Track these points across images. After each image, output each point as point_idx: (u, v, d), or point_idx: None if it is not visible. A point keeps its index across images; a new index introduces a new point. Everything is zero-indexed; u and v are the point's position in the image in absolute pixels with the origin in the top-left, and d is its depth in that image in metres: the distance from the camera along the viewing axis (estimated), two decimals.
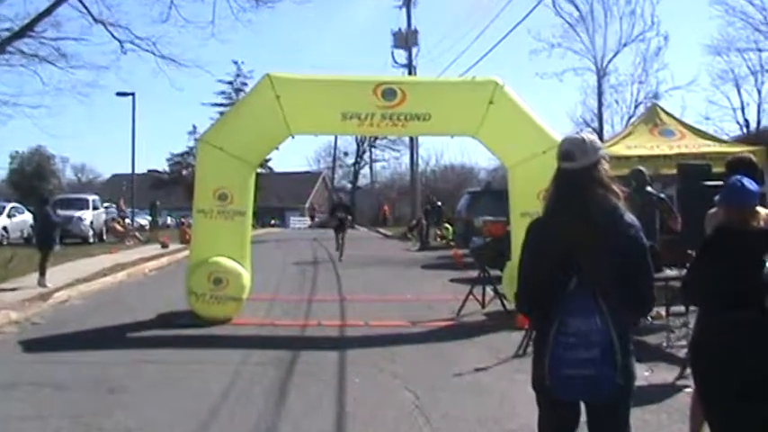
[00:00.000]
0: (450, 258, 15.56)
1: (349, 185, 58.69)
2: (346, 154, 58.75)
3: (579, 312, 2.18)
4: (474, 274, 9.22)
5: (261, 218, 43.91)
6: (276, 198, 53.22)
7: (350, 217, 15.66)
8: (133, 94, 24.88)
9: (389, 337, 6.58)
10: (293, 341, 6.35)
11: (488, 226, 8.21)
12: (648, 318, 6.14)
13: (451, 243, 19.58)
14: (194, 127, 43.06)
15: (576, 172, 2.29)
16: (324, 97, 7.40)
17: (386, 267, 13.75)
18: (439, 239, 21.73)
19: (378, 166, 60.58)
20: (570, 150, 2.31)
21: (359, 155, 59.89)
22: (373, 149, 56.05)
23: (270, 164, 45.24)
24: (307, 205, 54.84)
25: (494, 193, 16.36)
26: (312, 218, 35.11)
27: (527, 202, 7.36)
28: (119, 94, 24.54)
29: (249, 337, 6.49)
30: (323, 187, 61.33)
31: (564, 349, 2.18)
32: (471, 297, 7.88)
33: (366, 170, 60.07)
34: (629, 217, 2.28)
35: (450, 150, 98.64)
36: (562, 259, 2.21)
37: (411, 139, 30.45)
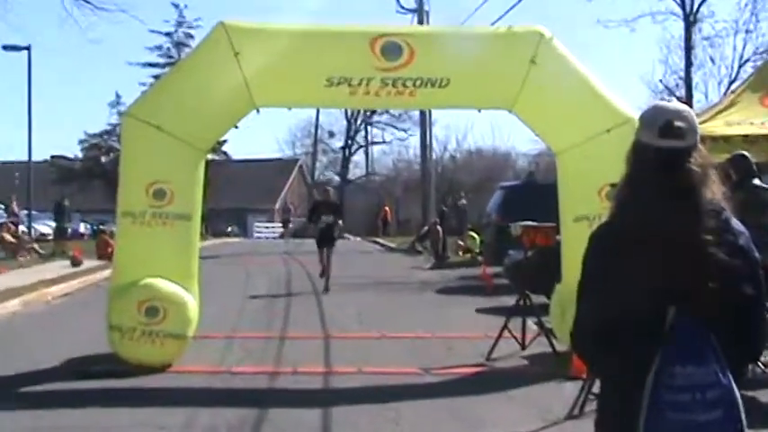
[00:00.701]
0: (476, 279, 15.58)
1: (336, 178, 59.07)
2: (332, 135, 59.29)
3: (690, 357, 2.04)
4: (510, 301, 9.19)
5: (213, 224, 44.08)
6: (235, 196, 53.42)
7: (340, 222, 14.10)
8: (28, 49, 23.90)
9: (392, 389, 6.59)
10: (258, 396, 6.34)
11: (530, 234, 8.20)
12: (759, 365, 6.09)
13: (478, 258, 19.66)
14: (118, 96, 42.72)
15: (682, 155, 2.17)
16: (302, 55, 7.41)
17: (387, 292, 13.77)
18: (461, 253, 21.80)
19: (376, 151, 61.31)
20: (675, 122, 2.18)
21: (350, 136, 60.35)
22: (370, 128, 56.60)
23: (226, 148, 45.25)
24: (277, 206, 55.06)
25: (537, 189, 16.37)
26: (285, 223, 34.76)
27: (584, 202, 7.33)
28: (7, 47, 23.68)
29: (196, 391, 6.48)
30: (300, 180, 61.70)
31: (673, 410, 2.02)
32: (506, 334, 7.88)
33: (360, 157, 60.65)
34: (737, 223, 2.21)
35: (476, 129, 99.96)
36: (655, 282, 2.13)
37: (422, 113, 30.49)
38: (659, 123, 2.22)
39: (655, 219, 2.15)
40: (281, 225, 37.47)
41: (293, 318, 10.66)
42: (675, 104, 2.31)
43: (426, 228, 25.01)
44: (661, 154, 2.20)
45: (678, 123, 2.21)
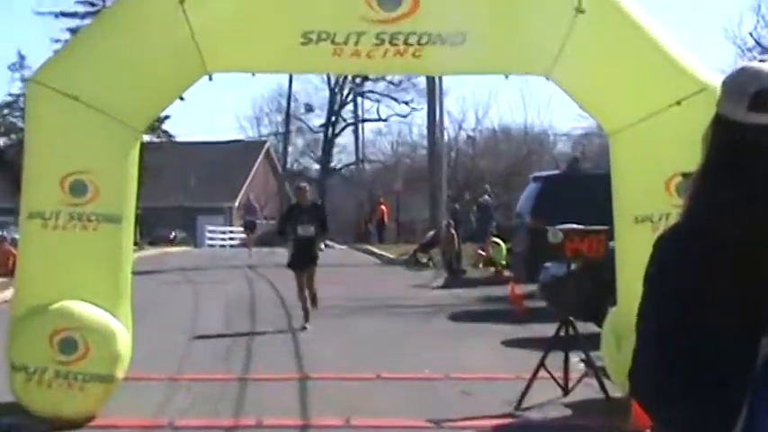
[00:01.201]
0: (502, 301, 15.58)
1: (316, 167, 59.00)
2: (310, 109, 59.37)
3: None
4: (548, 330, 9.19)
5: (151, 228, 44.04)
6: (180, 191, 53.43)
7: (326, 232, 13.85)
8: None
9: None
10: None
11: (574, 241, 8.21)
12: None
13: (505, 273, 19.67)
14: (21, 57, 42.57)
15: None
16: (269, 3, 7.40)
17: (384, 319, 13.78)
18: (482, 266, 21.85)
19: (369, 131, 61.20)
20: None
21: (334, 111, 60.28)
22: (361, 101, 56.70)
23: (168, 127, 45.24)
24: (237, 204, 55.04)
25: (583, 181, 16.47)
26: (248, 228, 34.05)
27: (647, 198, 7.34)
28: None
29: None
30: (267, 169, 61.67)
31: None
32: (543, 373, 7.88)
33: (347, 139, 60.65)
34: None
35: (501, 101, 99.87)
36: (747, 306, 2.11)
37: (430, 81, 30.54)
38: (749, 92, 2.21)
39: (739, 225, 2.15)
40: (242, 230, 36.85)
41: (259, 353, 10.64)
42: None
43: (433, 233, 25.04)
44: (751, 133, 2.19)
45: None
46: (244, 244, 39.10)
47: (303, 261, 12.62)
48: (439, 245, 23.12)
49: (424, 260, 23.96)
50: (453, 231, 22.09)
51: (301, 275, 12.60)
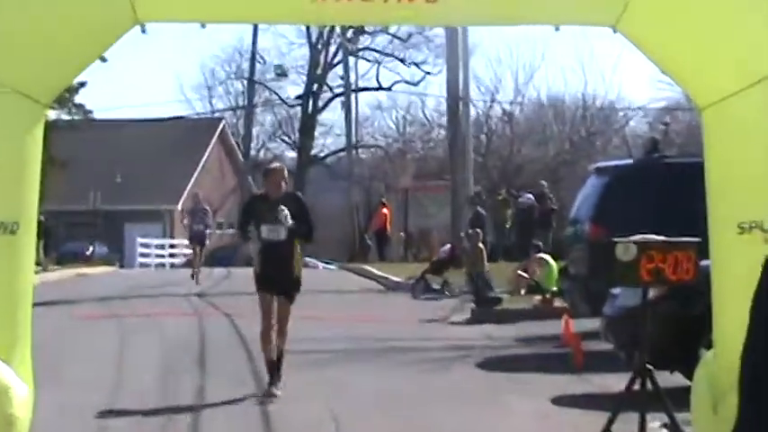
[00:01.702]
0: (551, 343, 15.56)
1: (291, 154, 58.75)
2: (283, 74, 59.11)
3: None
4: (615, 383, 9.17)
5: (59, 241, 44.01)
6: (101, 189, 53.40)
7: (305, 233, 12.10)
8: None
9: None
10: None
11: (653, 258, 8.21)
12: None
13: (556, 302, 19.72)
14: None
15: None
16: None
17: (387, 369, 13.78)
18: (522, 292, 21.88)
19: (364, 104, 60.89)
20: None
21: (315, 77, 60.12)
22: (354, 63, 56.58)
23: (83, 99, 45.36)
24: (179, 206, 54.96)
25: (666, 173, 16.40)
26: (196, 240, 32.93)
27: (756, 198, 7.32)
28: None
29: None
30: (223, 156, 61.60)
31: None
32: None
33: (334, 115, 60.57)
34: None
35: (549, 64, 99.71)
36: None
37: (451, 35, 30.55)
38: None
39: None
40: (187, 243, 36.31)
41: (212, 420, 10.65)
42: None
43: (448, 246, 25.04)
44: None
45: None
46: (188, 263, 39.08)
47: (274, 277, 11.72)
48: (459, 263, 23.14)
49: (437, 285, 24.04)
50: (481, 245, 22.13)
51: (269, 302, 11.79)
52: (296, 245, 11.92)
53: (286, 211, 11.48)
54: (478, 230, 23.28)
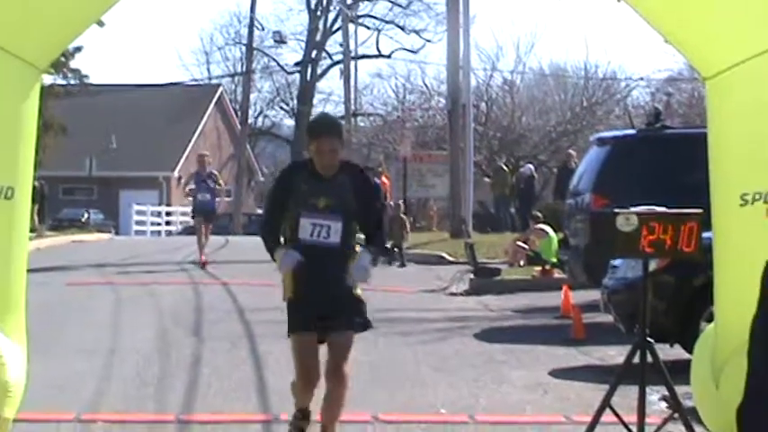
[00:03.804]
0: (550, 314, 15.59)
1: (290, 122, 58.65)
2: (282, 41, 59.10)
3: None
4: (616, 356, 9.19)
5: (54, 207, 44.03)
6: (97, 155, 53.37)
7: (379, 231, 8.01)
8: None
9: None
10: None
11: (654, 230, 8.19)
12: None
13: (556, 274, 19.81)
14: None
15: None
16: None
17: (385, 338, 13.76)
18: (522, 263, 21.97)
19: (363, 72, 60.99)
20: None
21: (315, 44, 60.11)
22: (353, 29, 56.43)
23: (78, 64, 45.29)
24: (175, 173, 54.95)
25: (668, 144, 16.40)
26: (203, 215, 25.52)
27: (760, 169, 7.31)
28: None
29: None
30: (219, 123, 61.59)
31: None
32: (609, 414, 7.84)
33: (332, 83, 60.33)
34: None
35: (551, 33, 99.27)
36: None
37: (451, 1, 30.48)
38: None
39: None
40: (191, 216, 27.85)
41: (207, 385, 10.65)
42: None
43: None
44: None
45: None
46: (188, 232, 38.88)
47: (317, 307, 7.47)
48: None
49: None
50: (403, 215, 22.23)
51: (310, 346, 7.59)
52: (354, 250, 7.71)
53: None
54: (400, 202, 23.36)
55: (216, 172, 25.51)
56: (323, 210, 7.41)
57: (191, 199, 25.49)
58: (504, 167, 33.64)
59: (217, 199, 24.13)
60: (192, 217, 25.78)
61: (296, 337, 7.46)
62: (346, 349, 7.57)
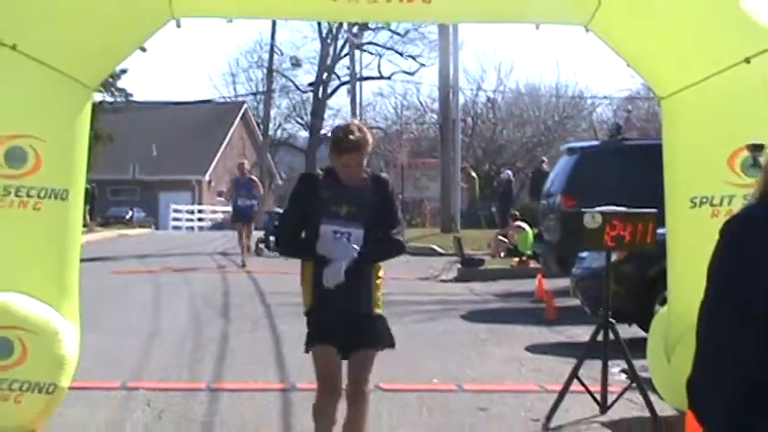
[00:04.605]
0: (527, 298, 15.56)
1: (304, 134, 58.83)
2: (298, 64, 59.34)
3: None
4: (582, 334, 9.18)
5: (103, 206, 44.09)
6: (140, 162, 53.41)
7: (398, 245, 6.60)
8: None
9: None
10: None
11: (616, 226, 8.18)
12: None
13: (532, 264, 19.68)
14: None
15: None
16: None
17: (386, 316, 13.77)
18: (502, 255, 21.94)
19: (368, 91, 61.27)
20: None
21: (326, 67, 60.22)
22: (359, 55, 56.57)
23: (125, 84, 45.18)
24: (206, 177, 55.00)
25: (628, 154, 16.47)
26: (241, 217, 21.98)
27: (706, 175, 7.30)
28: None
29: None
30: (244, 135, 61.61)
31: None
32: (576, 385, 7.89)
33: (341, 100, 60.58)
34: None
35: (528, 58, 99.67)
36: None
37: (443, 31, 30.42)
38: None
39: None
40: (232, 218, 24.23)
41: (232, 358, 10.66)
42: None
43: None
44: None
45: None
46: (218, 226, 38.99)
47: (337, 324, 6.21)
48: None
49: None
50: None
51: (331, 362, 6.38)
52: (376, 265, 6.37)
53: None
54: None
55: (255, 178, 23.94)
56: (345, 217, 6.11)
57: (230, 201, 23.86)
58: (474, 174, 34.05)
59: (255, 205, 22.32)
60: (233, 221, 23.67)
61: (314, 349, 6.15)
62: (366, 369, 6.27)
